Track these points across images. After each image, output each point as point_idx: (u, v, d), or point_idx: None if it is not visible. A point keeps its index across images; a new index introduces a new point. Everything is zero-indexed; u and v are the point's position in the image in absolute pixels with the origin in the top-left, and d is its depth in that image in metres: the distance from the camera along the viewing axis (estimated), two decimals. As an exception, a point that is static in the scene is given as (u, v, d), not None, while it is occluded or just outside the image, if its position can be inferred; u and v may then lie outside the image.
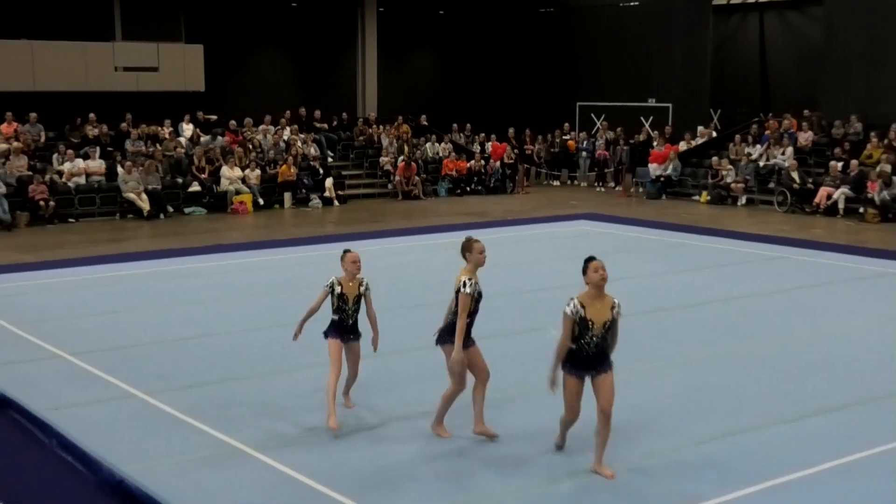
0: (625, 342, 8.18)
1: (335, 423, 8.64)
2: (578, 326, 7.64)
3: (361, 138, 30.05)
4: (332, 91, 32.50)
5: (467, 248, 8.39)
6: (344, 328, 8.99)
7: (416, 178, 27.95)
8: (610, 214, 24.18)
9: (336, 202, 26.38)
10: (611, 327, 7.72)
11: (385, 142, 29.56)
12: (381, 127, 30.40)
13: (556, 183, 32.03)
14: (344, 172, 28.29)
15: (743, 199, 26.87)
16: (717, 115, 33.64)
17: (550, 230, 20.77)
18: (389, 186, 28.32)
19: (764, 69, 33.45)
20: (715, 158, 28.34)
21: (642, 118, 33.53)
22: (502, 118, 32.44)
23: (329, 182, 26.55)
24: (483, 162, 29.86)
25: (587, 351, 7.66)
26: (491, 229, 21.27)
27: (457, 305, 8.24)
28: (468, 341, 8.36)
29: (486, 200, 27.61)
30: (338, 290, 8.97)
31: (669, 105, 33.27)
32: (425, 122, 31.37)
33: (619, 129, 31.55)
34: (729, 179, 27.25)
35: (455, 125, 31.60)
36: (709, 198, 27.29)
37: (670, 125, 31.43)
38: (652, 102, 33.78)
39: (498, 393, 9.37)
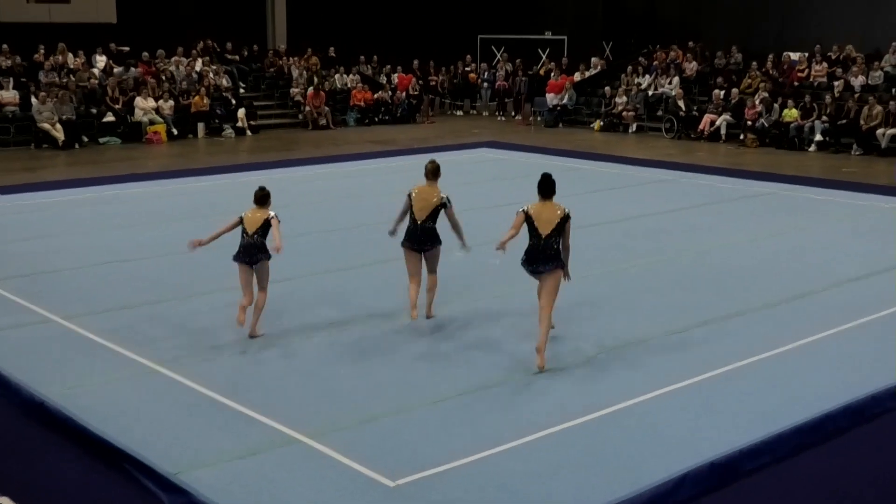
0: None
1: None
2: (528, 229, 8.36)
3: (272, 70, 29.46)
4: (242, 23, 31.67)
5: (438, 170, 9.47)
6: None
7: (325, 108, 27.53)
8: (510, 142, 24.15)
9: (248, 132, 25.89)
10: (561, 231, 8.35)
11: (295, 73, 29.00)
12: (291, 59, 29.82)
13: (460, 113, 31.86)
14: (255, 103, 27.66)
15: (633, 127, 27.01)
16: (609, 46, 33.73)
17: (455, 157, 20.67)
18: (300, 117, 27.83)
19: (651, 2, 33.48)
20: (608, 88, 28.49)
21: (539, 50, 33.44)
22: (407, 50, 32.05)
23: (241, 112, 26.01)
24: (390, 93, 29.53)
25: (537, 247, 8.36)
26: (398, 157, 21.19)
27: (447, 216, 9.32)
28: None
29: (393, 130, 27.31)
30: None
31: (564, 38, 33.20)
32: (333, 54, 30.86)
33: (518, 61, 31.46)
34: (620, 108, 27.41)
35: (362, 57, 31.14)
36: (602, 125, 27.45)
37: (566, 56, 31.41)
38: (548, 35, 33.69)
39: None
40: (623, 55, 31.98)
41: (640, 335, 9.31)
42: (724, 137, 24.82)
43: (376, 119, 28.89)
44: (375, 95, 29.16)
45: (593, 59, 30.68)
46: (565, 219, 8.31)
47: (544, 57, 32.72)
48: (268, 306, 9.24)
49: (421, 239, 9.31)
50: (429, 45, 33.60)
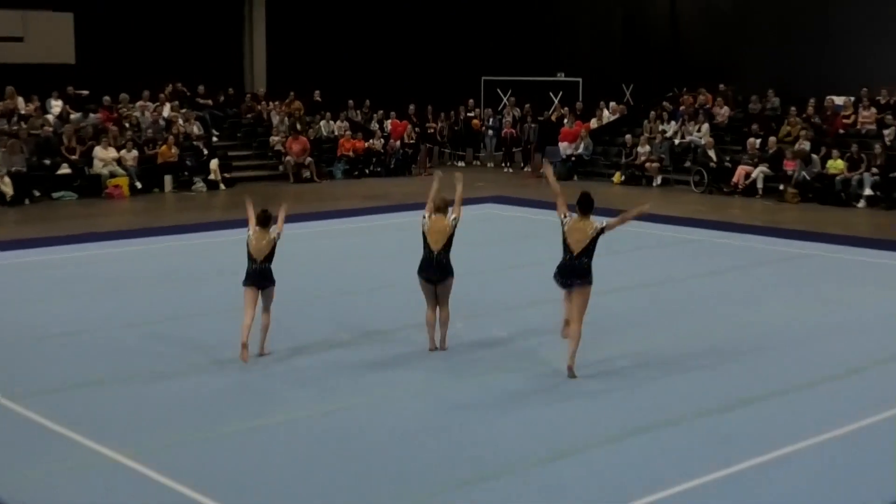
0: (540, 334, 8.13)
1: None
2: (562, 240, 10.30)
3: (249, 116, 29.61)
4: (216, 64, 31.88)
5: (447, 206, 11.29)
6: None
7: (309, 158, 27.65)
8: (518, 197, 24.25)
9: (222, 185, 25.97)
10: (592, 248, 10.29)
11: (275, 119, 29.15)
12: (271, 103, 30.00)
13: (461, 164, 31.94)
14: (230, 153, 27.88)
15: (658, 179, 27.18)
16: (630, 90, 33.94)
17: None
18: (280, 168, 27.95)
19: (676, 41, 33.76)
20: (628, 136, 28.63)
21: (551, 94, 33.65)
22: (402, 94, 32.23)
23: (214, 163, 26.13)
24: (382, 141, 29.68)
25: (566, 261, 10.33)
26: (391, 214, 21.25)
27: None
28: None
29: (386, 183, 27.51)
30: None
31: (579, 80, 33.43)
32: (319, 98, 31.01)
33: (526, 106, 31.64)
34: (643, 158, 27.57)
35: (351, 101, 31.29)
36: (622, 178, 27.57)
37: (580, 101, 31.61)
38: (561, 77, 33.91)
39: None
40: (645, 99, 32.16)
41: (666, 416, 9.26)
42: (760, 192, 24.90)
43: (367, 171, 29.00)
44: (366, 144, 29.34)
45: (612, 104, 30.87)
46: (597, 236, 10.24)
47: (556, 101, 32.92)
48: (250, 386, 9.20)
49: (436, 270, 10.86)
50: (426, 87, 33.77)
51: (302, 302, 13.30)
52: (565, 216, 10.45)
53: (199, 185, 25.73)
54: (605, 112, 30.80)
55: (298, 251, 17.19)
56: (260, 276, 10.73)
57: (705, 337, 12.10)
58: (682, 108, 28.87)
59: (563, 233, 10.35)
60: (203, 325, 9.62)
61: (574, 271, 10.21)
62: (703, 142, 26.82)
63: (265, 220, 10.96)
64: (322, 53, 33.94)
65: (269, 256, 10.84)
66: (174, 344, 11.20)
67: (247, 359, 10.46)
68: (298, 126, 28.74)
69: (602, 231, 10.35)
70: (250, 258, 10.84)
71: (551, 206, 20.52)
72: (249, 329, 10.49)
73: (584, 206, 10.41)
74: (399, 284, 13.58)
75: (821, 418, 9.26)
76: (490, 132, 31.81)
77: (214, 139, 28.17)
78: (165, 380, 10.34)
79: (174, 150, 25.73)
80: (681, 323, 12.71)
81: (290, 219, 20.31)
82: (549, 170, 11.79)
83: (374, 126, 30.49)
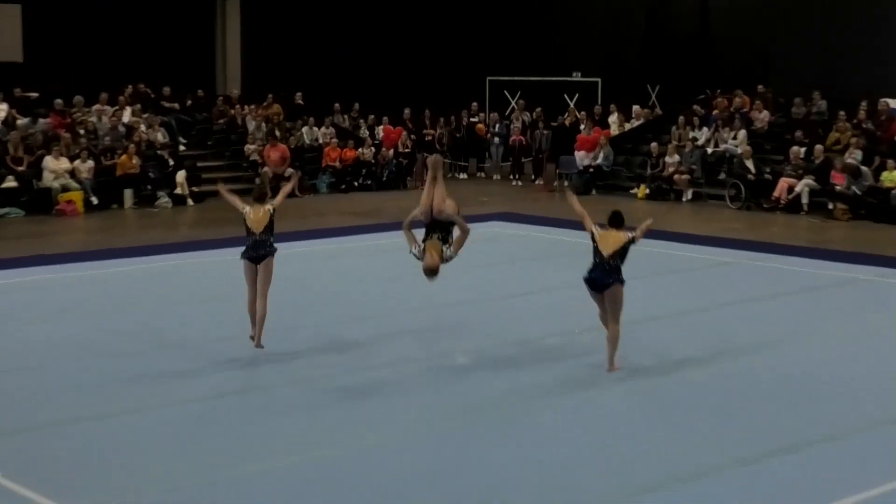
0: (566, 368, 8.09)
1: None
2: (592, 249, 11.73)
3: (221, 121, 29.74)
4: (184, 63, 31.93)
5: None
6: None
7: (291, 169, 27.63)
8: (528, 214, 24.26)
9: (190, 201, 26.05)
10: (625, 254, 11.69)
11: (251, 125, 29.23)
12: (246, 107, 30.08)
13: (464, 175, 32.02)
14: (200, 164, 28.00)
15: (688, 194, 27.22)
16: (656, 91, 34.06)
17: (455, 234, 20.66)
18: (257, 181, 27.89)
19: (708, 35, 33.80)
20: (654, 144, 28.61)
21: (566, 96, 33.69)
22: (396, 96, 32.29)
23: (181, 176, 26.17)
24: (373, 150, 29.78)
25: (599, 269, 11.72)
26: (383, 234, 21.18)
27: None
28: None
29: (378, 198, 27.59)
30: None
31: (598, 80, 33.51)
32: (301, 102, 31.12)
33: (538, 110, 31.67)
34: (671, 169, 27.56)
35: (338, 105, 31.36)
36: (647, 192, 27.56)
37: (599, 104, 31.64)
38: (577, 77, 33.97)
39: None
40: (674, 102, 32.22)
41: (700, 465, 9.23)
42: (805, 208, 24.93)
43: (356, 184, 29.13)
44: (355, 154, 29.39)
45: (635, 108, 31.02)
46: (629, 243, 11.54)
47: (572, 105, 33.07)
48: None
49: (604, 276, 11.68)
50: (424, 89, 33.82)
51: (309, 333, 13.27)
52: (595, 229, 11.78)
53: (164, 200, 25.75)
54: (616, 116, 30.86)
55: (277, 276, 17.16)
56: (258, 246, 12.17)
57: (743, 375, 12.05)
58: (715, 112, 28.90)
59: (595, 241, 11.71)
60: (170, 357, 9.49)
61: (608, 273, 11.59)
62: (739, 151, 26.83)
63: (261, 197, 12.51)
64: (304, 51, 33.99)
65: (269, 227, 12.27)
66: (128, 380, 11.13)
67: (259, 345, 11.98)
68: (277, 133, 28.83)
69: (633, 241, 11.65)
70: (249, 232, 12.27)
71: (566, 223, 20.66)
72: (256, 310, 12.00)
73: (616, 223, 11.79)
74: (393, 316, 13.52)
75: (874, 468, 9.24)
76: (496, 140, 31.94)
77: (182, 148, 28.30)
78: (112, 419, 10.29)
79: (135, 160, 25.77)
80: (715, 359, 12.64)
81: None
82: (573, 198, 12.54)
83: (364, 133, 30.64)
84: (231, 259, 18.02)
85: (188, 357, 12.20)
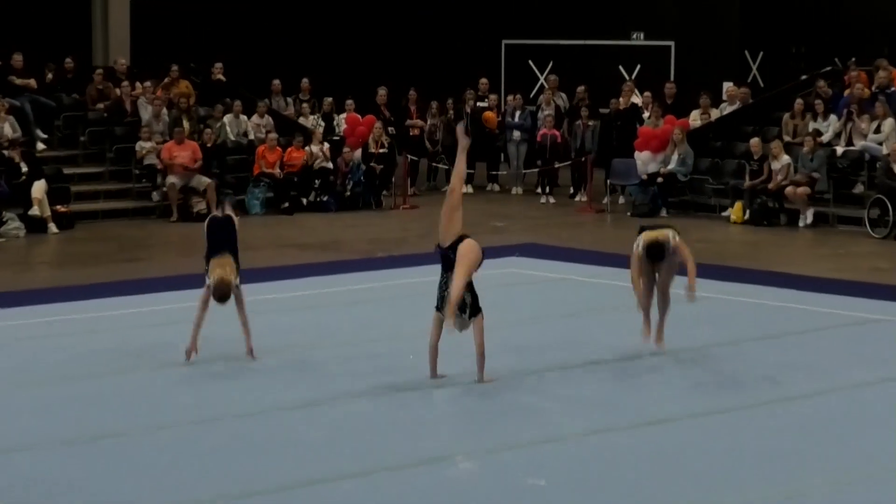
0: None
1: None
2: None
3: (101, 106, 29.79)
4: (44, 19, 31.88)
5: None
6: None
7: (205, 178, 27.42)
8: (563, 247, 24.33)
9: (52, 226, 26.09)
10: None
11: (145, 112, 29.26)
12: (139, 85, 30.08)
13: (468, 188, 31.81)
14: (69, 169, 28.31)
15: (808, 216, 27.23)
16: (758, 62, 34.04)
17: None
18: (154, 196, 27.77)
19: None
20: (755, 141, 28.55)
21: (622, 69, 33.71)
22: (366, 70, 32.22)
23: (38, 188, 26.19)
24: (325, 148, 29.83)
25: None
26: (342, 277, 21.34)
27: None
28: None
29: (337, 221, 27.92)
30: None
31: (671, 44, 33.56)
32: (222, 77, 31.25)
33: (580, 89, 31.65)
34: (781, 179, 27.39)
35: (277, 82, 31.49)
36: (746, 214, 27.54)
37: (672, 80, 31.64)
38: (638, 40, 34.00)
39: None
40: (785, 78, 32.29)
41: None
42: None
43: (304, 201, 29.17)
44: (304, 156, 29.40)
45: (726, 86, 31.13)
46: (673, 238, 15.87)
47: (630, 80, 33.13)
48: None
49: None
50: (407, 58, 33.75)
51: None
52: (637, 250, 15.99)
53: (13, 225, 25.74)
54: (699, 99, 30.70)
55: (175, 339, 16.86)
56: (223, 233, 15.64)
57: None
58: (847, 92, 28.88)
59: (641, 250, 15.93)
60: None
61: (665, 247, 15.76)
62: (885, 150, 26.80)
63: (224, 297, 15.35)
64: (224, 3, 33.85)
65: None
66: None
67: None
68: (186, 123, 28.74)
69: (675, 240, 15.88)
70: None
71: (620, 261, 20.46)
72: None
73: (656, 256, 15.87)
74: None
75: None
76: (516, 135, 32.00)
77: (40, 146, 28.37)
78: None
79: (-32, 165, 25.72)
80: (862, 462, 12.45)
81: (170, 285, 20.52)
82: (639, 298, 16.26)
83: (317, 124, 30.64)
84: (111, 315, 17.83)
85: (43, 458, 12.21)
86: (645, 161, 29.05)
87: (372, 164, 29.91)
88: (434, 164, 32.17)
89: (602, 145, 30.52)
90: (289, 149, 29.36)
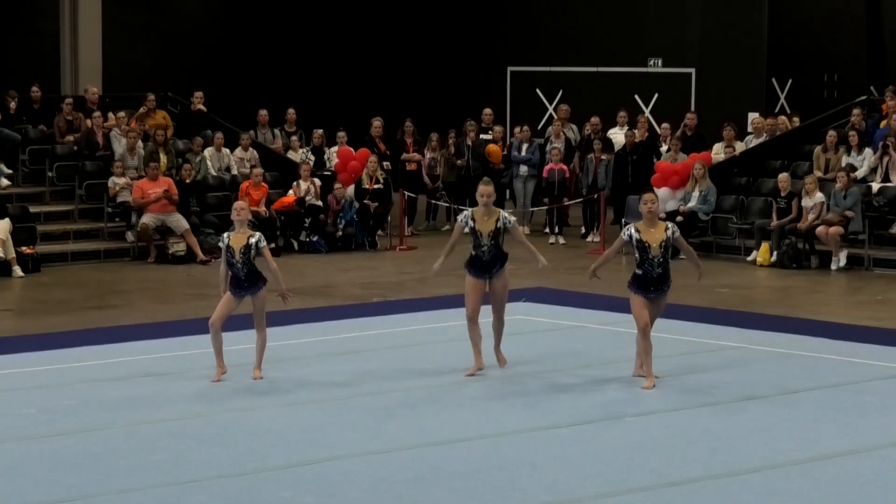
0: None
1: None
2: (637, 249, 16.57)
3: (70, 138, 29.72)
4: (7, 45, 31.68)
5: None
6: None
7: (182, 217, 27.07)
8: (575, 292, 24.19)
9: (17, 270, 26.12)
10: (670, 246, 16.59)
11: (120, 145, 29.16)
12: (112, 115, 29.92)
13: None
14: (35, 207, 28.56)
15: (841, 258, 27.19)
16: (786, 90, 33.91)
17: (454, 329, 20.29)
18: (129, 236, 27.44)
19: (877, 5, 33.67)
20: (783, 177, 28.46)
21: (637, 98, 33.35)
22: (359, 99, 31.98)
23: (3, 228, 26.23)
24: (316, 185, 30.15)
25: (651, 273, 16.64)
26: (333, 324, 21.55)
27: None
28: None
29: (328, 264, 28.37)
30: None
31: (691, 71, 33.32)
32: (202, 107, 31.15)
33: (592, 120, 31.51)
34: (812, 218, 27.01)
35: (264, 113, 31.32)
36: (774, 257, 27.30)
37: (693, 111, 31.30)
38: (656, 66, 33.90)
39: None
40: (815, 108, 32.27)
41: None
42: None
43: (294, 242, 29.39)
44: (296, 188, 29.53)
45: (752, 117, 30.82)
46: (672, 236, 16.64)
47: (647, 112, 33.09)
48: None
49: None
50: (405, 86, 33.58)
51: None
52: (628, 233, 16.97)
53: (-28, 269, 25.16)
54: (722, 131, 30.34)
55: (146, 396, 16.41)
56: (250, 277, 16.98)
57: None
58: (884, 123, 28.78)
59: (637, 241, 16.55)
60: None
61: (663, 279, 16.74)
62: (924, 187, 26.59)
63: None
64: (205, 26, 33.62)
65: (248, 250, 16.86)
66: None
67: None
68: (162, 157, 28.38)
69: (675, 234, 16.64)
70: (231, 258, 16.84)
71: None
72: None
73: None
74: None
75: None
76: (523, 169, 32.01)
77: (4, 182, 28.94)
78: None
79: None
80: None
81: (144, 334, 20.18)
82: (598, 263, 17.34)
83: (306, 157, 30.40)
84: (82, 367, 17.40)
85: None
86: (663, 198, 28.69)
87: (366, 201, 29.91)
88: (433, 202, 32.16)
89: (616, 181, 30.49)
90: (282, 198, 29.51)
